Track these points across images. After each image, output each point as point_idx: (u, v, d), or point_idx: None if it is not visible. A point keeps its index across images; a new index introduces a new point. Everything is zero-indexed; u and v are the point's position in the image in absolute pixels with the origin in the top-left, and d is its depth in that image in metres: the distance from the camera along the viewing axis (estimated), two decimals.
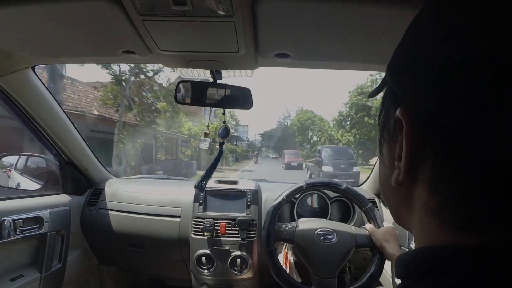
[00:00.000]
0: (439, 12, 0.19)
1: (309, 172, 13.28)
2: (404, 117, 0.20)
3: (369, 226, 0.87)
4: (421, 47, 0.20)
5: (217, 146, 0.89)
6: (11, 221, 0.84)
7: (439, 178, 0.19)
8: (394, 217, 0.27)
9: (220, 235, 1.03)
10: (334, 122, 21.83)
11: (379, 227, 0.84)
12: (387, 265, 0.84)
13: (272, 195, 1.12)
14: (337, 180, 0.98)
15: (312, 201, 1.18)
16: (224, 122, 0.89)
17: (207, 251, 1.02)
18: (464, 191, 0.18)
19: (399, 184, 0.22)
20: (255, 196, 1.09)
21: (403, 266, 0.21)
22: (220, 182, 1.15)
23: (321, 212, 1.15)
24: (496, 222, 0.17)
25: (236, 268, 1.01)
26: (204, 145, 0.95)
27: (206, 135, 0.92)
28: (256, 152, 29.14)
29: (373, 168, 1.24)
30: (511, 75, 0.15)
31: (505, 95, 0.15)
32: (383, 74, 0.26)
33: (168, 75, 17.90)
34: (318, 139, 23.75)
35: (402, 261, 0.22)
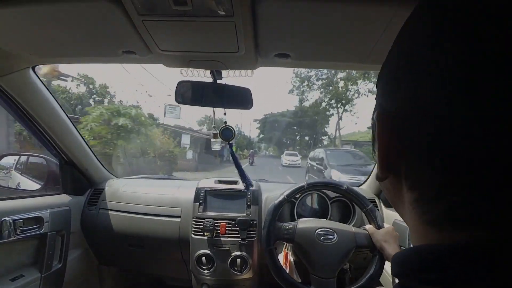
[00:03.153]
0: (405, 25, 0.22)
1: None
2: (376, 118, 0.23)
3: (369, 227, 0.87)
4: (389, 55, 0.23)
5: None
6: (11, 221, 0.84)
7: (412, 173, 0.20)
8: (396, 210, 0.28)
9: (220, 235, 1.03)
10: None
11: (379, 228, 0.84)
12: (388, 266, 0.84)
13: (272, 195, 1.12)
14: (338, 180, 0.98)
15: (312, 201, 1.18)
16: (225, 123, 0.89)
17: (207, 251, 1.02)
18: (435, 186, 0.18)
19: (380, 180, 0.24)
20: (255, 196, 1.09)
21: (399, 264, 0.21)
22: (220, 182, 1.15)
23: (321, 212, 1.15)
24: (472, 219, 0.17)
25: (236, 268, 1.01)
26: (216, 147, 0.95)
27: (215, 136, 0.91)
28: (252, 151, 22.25)
29: (373, 168, 1.24)
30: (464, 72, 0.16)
31: (463, 89, 0.16)
32: None
33: None
34: None
35: (398, 260, 0.22)
